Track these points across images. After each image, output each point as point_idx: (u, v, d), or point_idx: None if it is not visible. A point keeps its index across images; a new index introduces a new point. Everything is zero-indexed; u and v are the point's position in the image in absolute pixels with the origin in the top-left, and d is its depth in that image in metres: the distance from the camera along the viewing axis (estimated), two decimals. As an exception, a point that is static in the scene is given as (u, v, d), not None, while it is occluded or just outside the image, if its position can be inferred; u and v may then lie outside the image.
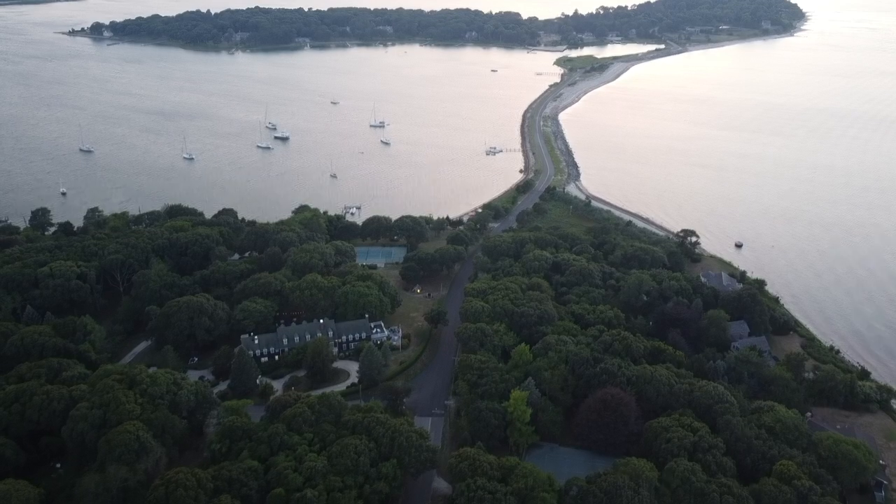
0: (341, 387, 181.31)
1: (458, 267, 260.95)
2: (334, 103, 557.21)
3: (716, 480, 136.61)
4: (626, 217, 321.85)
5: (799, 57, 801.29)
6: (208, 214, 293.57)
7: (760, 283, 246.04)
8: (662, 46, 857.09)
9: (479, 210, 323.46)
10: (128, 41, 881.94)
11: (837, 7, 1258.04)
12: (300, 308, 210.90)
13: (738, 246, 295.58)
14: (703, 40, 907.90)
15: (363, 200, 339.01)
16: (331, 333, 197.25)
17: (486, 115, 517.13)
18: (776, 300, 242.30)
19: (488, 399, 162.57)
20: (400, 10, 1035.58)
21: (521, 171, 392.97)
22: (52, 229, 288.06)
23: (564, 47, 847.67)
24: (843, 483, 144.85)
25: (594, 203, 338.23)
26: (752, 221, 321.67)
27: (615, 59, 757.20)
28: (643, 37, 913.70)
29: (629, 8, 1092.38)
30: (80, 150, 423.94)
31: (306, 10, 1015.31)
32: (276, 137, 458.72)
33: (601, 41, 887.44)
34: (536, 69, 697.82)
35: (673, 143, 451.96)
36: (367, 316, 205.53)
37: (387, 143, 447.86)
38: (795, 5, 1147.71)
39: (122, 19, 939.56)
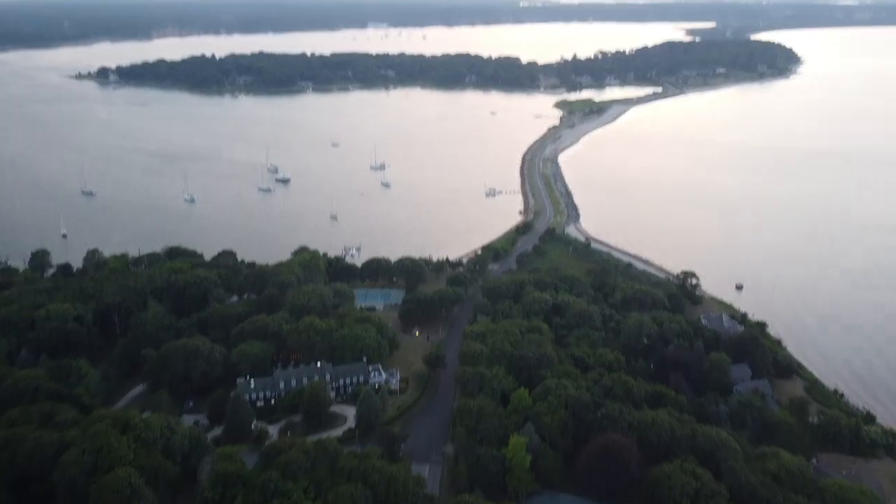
0: (338, 432, 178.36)
1: (458, 309, 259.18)
2: (335, 145, 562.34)
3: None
4: (626, 258, 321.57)
5: (796, 98, 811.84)
6: (208, 256, 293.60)
7: (762, 326, 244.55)
8: (660, 89, 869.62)
9: (479, 251, 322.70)
10: (133, 85, 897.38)
11: (831, 53, 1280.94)
12: (298, 350, 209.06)
13: (739, 287, 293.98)
14: (700, 83, 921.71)
15: (363, 241, 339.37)
16: (328, 377, 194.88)
17: (485, 156, 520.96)
18: (778, 342, 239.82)
19: (487, 445, 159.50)
20: (402, 55, 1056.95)
21: (520, 213, 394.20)
22: (52, 271, 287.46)
23: (563, 90, 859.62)
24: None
25: (594, 244, 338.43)
26: (752, 262, 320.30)
27: (613, 101, 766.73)
28: (641, 80, 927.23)
29: (627, 53, 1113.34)
30: (83, 192, 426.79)
31: (309, 55, 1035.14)
32: (277, 179, 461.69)
33: (599, 84, 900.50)
34: (536, 112, 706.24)
35: (672, 183, 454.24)
36: (365, 359, 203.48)
37: (387, 185, 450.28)
38: (791, 50, 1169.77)
39: (127, 63, 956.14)
